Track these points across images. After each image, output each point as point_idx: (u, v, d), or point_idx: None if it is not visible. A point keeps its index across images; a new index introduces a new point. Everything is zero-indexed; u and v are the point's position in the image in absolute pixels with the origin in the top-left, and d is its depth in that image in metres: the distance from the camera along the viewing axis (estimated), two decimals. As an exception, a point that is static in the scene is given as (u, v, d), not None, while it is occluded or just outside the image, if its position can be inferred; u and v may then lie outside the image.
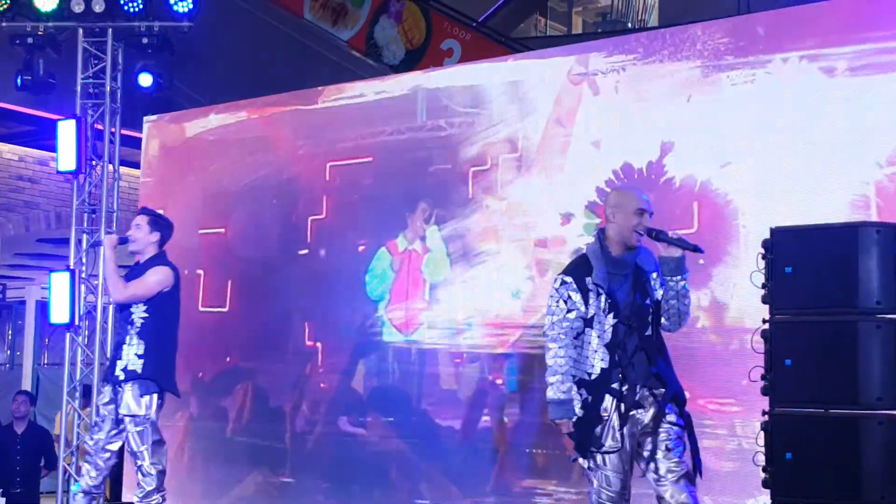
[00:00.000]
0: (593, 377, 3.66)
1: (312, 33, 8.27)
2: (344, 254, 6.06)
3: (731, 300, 4.77)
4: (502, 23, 10.25)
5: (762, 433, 3.57)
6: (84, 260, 7.37)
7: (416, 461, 5.69)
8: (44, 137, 8.50)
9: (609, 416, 3.62)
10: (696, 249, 3.71)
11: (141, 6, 7.31)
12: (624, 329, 3.66)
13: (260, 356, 6.35)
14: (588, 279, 3.67)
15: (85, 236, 7.38)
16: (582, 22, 15.65)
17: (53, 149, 7.55)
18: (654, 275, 3.75)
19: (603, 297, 3.66)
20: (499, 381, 5.41)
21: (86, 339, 7.31)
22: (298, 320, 6.18)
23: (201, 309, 6.57)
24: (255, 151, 6.50)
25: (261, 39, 8.39)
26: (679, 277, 3.70)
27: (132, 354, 4.83)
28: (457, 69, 6.34)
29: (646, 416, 3.68)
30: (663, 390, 3.69)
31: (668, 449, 3.67)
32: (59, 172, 7.58)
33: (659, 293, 3.74)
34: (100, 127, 7.42)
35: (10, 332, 14.58)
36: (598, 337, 3.66)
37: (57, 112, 7.63)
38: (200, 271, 6.62)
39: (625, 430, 3.63)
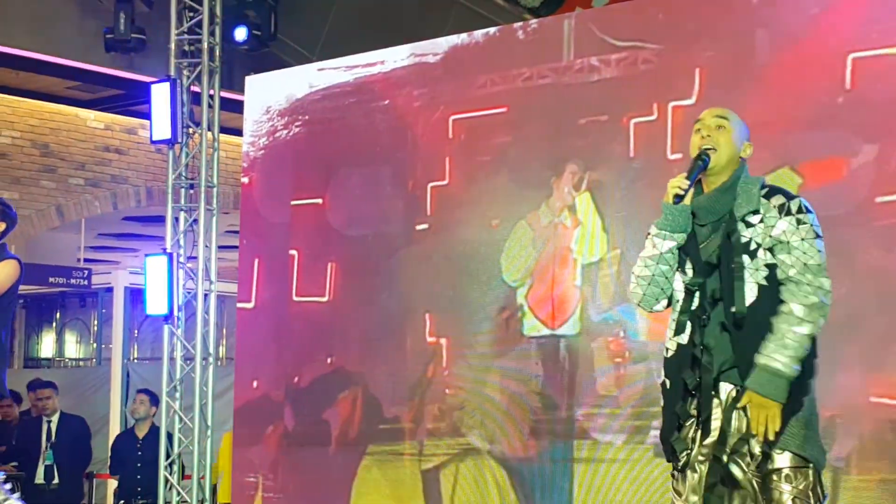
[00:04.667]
0: (670, 354, 3.18)
1: (437, -28, 8.08)
2: (473, 229, 5.68)
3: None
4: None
5: None
6: (182, 242, 7.33)
7: (565, 485, 5.27)
8: (133, 103, 8.59)
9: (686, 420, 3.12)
10: (700, 166, 3.11)
11: (241, -52, 7.26)
12: (699, 295, 3.11)
13: (370, 356, 5.99)
14: None
15: (182, 214, 7.35)
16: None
17: (144, 115, 7.58)
18: (756, 218, 3.08)
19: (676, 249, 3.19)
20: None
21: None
22: (418, 311, 5.82)
23: (296, 298, 6.23)
24: (368, 112, 6.16)
25: (376, -18, 8.21)
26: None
27: None
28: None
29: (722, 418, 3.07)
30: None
31: None
32: (152, 142, 7.55)
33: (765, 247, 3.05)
34: (197, 89, 7.36)
35: (95, 322, 15.00)
36: (676, 301, 3.19)
37: (148, 74, 7.61)
38: (294, 252, 6.28)
39: (700, 448, 3.08)
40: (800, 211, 3.06)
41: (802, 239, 3.03)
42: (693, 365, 3.10)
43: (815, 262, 3.03)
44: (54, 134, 9.32)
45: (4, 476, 4.99)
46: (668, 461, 3.20)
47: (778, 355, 2.98)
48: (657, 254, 3.17)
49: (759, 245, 3.06)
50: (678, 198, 3.10)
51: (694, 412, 3.11)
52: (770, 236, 3.05)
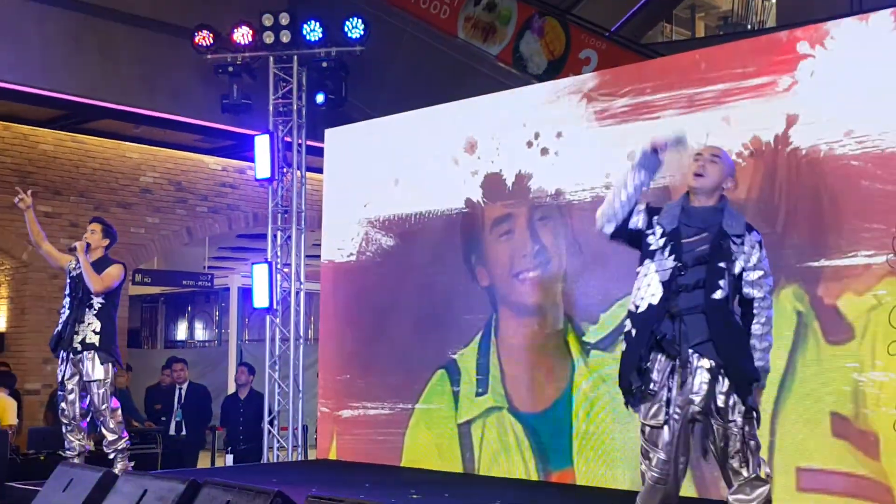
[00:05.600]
0: (640, 310, 3.09)
1: (465, 50, 8.08)
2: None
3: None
4: (633, 31, 9.70)
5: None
6: (279, 253, 7.42)
7: (566, 429, 5.14)
8: (242, 150, 8.67)
9: (654, 371, 3.03)
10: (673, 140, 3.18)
11: (320, 35, 7.35)
12: (679, 273, 3.05)
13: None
14: (655, 217, 3.21)
15: (279, 233, 7.43)
16: (704, 26, 14.79)
17: (250, 159, 7.69)
18: (742, 240, 3.10)
19: (660, 231, 3.14)
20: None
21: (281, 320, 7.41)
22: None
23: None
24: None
25: (421, 58, 8.16)
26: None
27: (90, 331, 5.00)
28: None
29: (695, 383, 3.01)
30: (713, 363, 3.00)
31: (728, 451, 3.00)
32: (256, 180, 7.67)
33: (740, 264, 3.08)
34: (288, 139, 7.46)
35: (217, 313, 15.24)
36: (656, 272, 3.09)
37: (253, 128, 7.67)
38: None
39: (675, 407, 3.00)
40: (763, 247, 3.17)
41: (766, 270, 3.16)
42: (661, 323, 3.04)
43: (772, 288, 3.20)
44: (185, 174, 9.33)
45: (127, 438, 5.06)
46: (627, 398, 3.09)
47: (765, 356, 3.13)
48: (623, 182, 3.19)
49: (735, 259, 3.09)
50: (654, 150, 3.21)
51: (671, 374, 3.02)
52: (752, 261, 3.11)
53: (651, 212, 3.25)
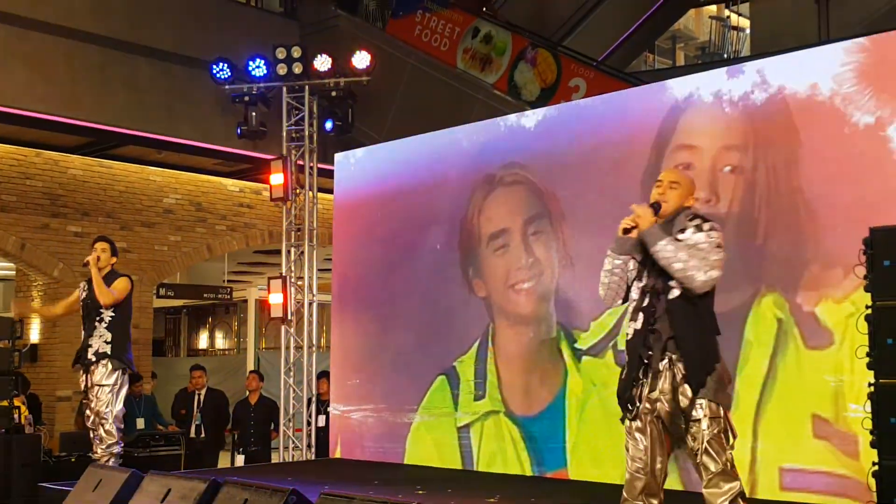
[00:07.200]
0: (629, 337, 3.05)
1: (464, 79, 8.05)
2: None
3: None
4: (618, 61, 9.69)
5: (869, 401, 3.23)
6: (293, 268, 7.33)
7: (559, 433, 5.05)
8: (258, 172, 8.61)
9: (639, 383, 2.97)
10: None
11: (330, 67, 7.29)
12: (649, 294, 2.99)
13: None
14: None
15: (293, 249, 7.35)
16: (684, 56, 14.80)
17: (266, 181, 7.63)
18: (682, 235, 3.00)
19: (632, 263, 3.07)
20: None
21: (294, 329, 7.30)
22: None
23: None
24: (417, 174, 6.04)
25: (423, 87, 8.11)
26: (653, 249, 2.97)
27: (101, 342, 4.92)
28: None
29: (662, 384, 2.95)
30: (680, 364, 2.93)
31: (695, 448, 2.89)
32: (272, 200, 7.59)
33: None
34: (301, 163, 7.40)
35: (236, 324, 15.16)
36: (634, 300, 3.06)
37: (268, 153, 7.60)
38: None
39: (645, 402, 2.96)
40: (712, 229, 3.01)
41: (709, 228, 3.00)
42: (645, 343, 3.00)
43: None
44: (205, 195, 9.30)
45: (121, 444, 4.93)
46: (623, 412, 3.07)
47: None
48: (608, 269, 3.12)
49: None
50: (626, 231, 3.04)
51: (641, 376, 2.99)
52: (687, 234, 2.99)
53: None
